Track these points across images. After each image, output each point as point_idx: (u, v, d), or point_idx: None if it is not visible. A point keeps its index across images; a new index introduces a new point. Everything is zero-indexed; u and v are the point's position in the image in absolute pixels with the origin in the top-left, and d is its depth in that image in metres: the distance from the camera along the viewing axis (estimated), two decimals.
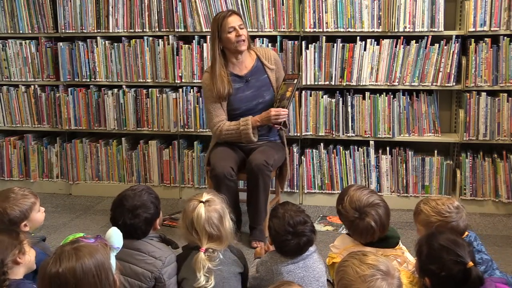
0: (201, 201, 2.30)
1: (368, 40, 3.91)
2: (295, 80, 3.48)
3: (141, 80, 4.26)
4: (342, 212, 2.36)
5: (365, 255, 1.81)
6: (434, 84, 3.90)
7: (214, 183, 3.38)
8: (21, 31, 4.42)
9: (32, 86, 4.48)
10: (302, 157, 4.12)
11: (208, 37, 3.99)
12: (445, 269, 1.93)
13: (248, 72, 3.56)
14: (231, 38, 3.42)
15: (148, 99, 4.28)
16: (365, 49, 3.92)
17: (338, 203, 2.39)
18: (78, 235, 1.98)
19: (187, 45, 4.14)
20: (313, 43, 3.98)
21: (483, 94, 3.84)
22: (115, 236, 1.89)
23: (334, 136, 4.07)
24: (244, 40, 3.46)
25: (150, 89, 4.28)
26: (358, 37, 3.92)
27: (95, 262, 1.69)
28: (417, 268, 2.08)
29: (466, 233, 2.35)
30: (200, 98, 4.14)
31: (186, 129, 4.25)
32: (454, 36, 3.84)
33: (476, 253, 2.22)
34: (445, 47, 3.83)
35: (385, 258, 1.84)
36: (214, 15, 3.89)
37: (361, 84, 3.97)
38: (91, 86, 4.37)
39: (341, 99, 4.01)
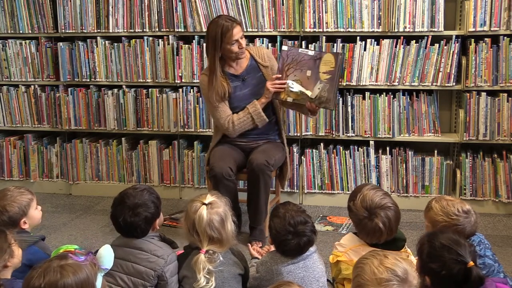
0: (204, 203, 2.30)
1: (368, 40, 3.91)
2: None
3: (141, 80, 4.26)
4: (352, 209, 2.35)
5: (386, 257, 1.79)
6: (434, 84, 3.90)
7: (213, 183, 3.39)
8: (21, 31, 4.42)
9: (32, 86, 4.48)
10: (302, 157, 4.12)
11: None
12: (446, 268, 1.92)
13: (244, 71, 3.56)
14: (234, 50, 3.42)
15: (148, 99, 4.28)
16: (365, 49, 3.92)
17: (350, 199, 2.38)
18: (71, 247, 2.00)
19: (187, 45, 4.14)
20: (313, 43, 3.98)
21: (483, 94, 3.84)
22: (106, 256, 1.91)
23: (334, 136, 4.07)
24: (244, 50, 3.48)
25: (150, 89, 4.28)
26: (358, 37, 3.92)
27: (78, 281, 1.73)
28: (417, 267, 2.07)
29: None
30: (200, 98, 4.14)
31: (186, 129, 4.24)
32: (454, 36, 3.84)
33: (477, 258, 2.21)
34: (445, 47, 3.83)
35: (406, 263, 1.81)
36: (214, 16, 3.89)
37: (361, 84, 3.97)
38: (91, 86, 4.37)
39: (341, 99, 4.01)
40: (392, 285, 1.72)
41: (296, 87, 3.39)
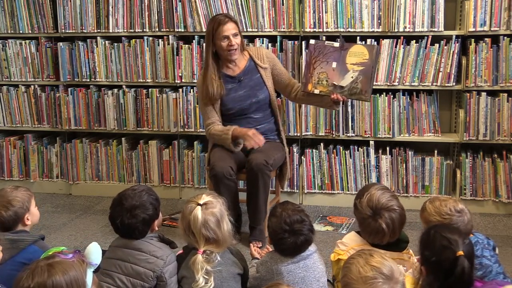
0: (199, 204, 2.30)
1: (368, 40, 3.91)
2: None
3: (141, 80, 4.27)
4: (357, 207, 2.35)
5: (371, 256, 1.81)
6: (434, 84, 3.89)
7: (213, 182, 3.38)
8: (21, 31, 4.42)
9: (32, 86, 4.48)
10: (302, 157, 4.11)
11: None
12: (436, 254, 1.93)
13: (241, 72, 3.55)
14: (224, 46, 3.41)
15: (148, 99, 4.28)
16: None
17: (357, 197, 2.39)
18: (58, 249, 1.99)
19: (187, 45, 4.14)
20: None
21: (483, 94, 3.84)
22: (94, 252, 1.91)
23: (334, 136, 4.07)
24: (236, 49, 3.44)
25: (150, 89, 4.28)
26: (358, 37, 3.92)
27: (68, 279, 1.72)
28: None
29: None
30: None
31: (186, 129, 4.25)
32: (454, 36, 3.84)
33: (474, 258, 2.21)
34: (445, 47, 3.83)
35: (392, 261, 1.83)
36: (214, 15, 3.89)
37: None
38: (91, 86, 4.37)
39: None
40: (377, 282, 1.74)
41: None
